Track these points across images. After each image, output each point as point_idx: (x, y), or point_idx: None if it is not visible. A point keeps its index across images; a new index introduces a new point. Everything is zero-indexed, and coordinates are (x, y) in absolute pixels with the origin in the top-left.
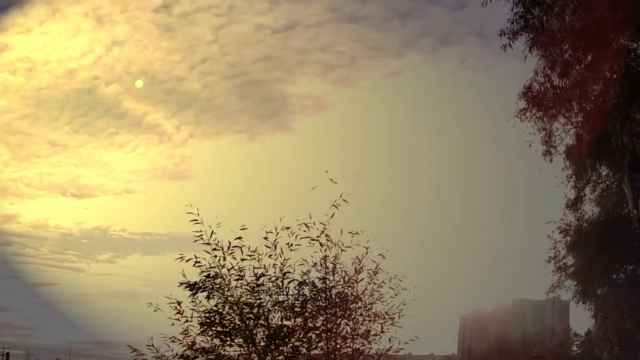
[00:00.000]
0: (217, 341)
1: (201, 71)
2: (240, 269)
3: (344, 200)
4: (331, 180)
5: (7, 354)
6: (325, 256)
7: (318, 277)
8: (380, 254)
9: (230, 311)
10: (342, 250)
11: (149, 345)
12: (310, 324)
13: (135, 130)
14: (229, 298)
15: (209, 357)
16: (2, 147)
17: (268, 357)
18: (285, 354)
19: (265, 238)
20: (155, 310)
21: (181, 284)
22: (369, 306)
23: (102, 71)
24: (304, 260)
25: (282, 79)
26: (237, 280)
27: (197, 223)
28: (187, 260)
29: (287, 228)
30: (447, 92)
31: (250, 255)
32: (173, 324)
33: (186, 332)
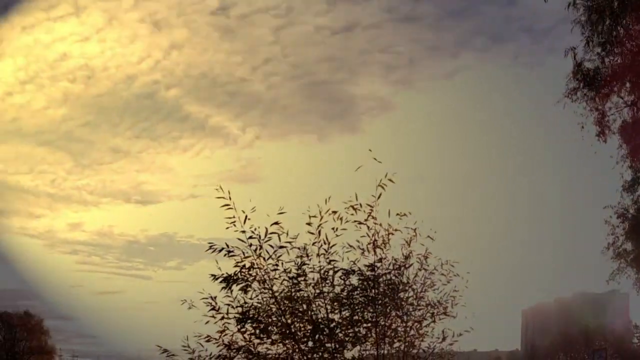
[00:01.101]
0: (255, 339)
1: (264, 72)
2: (279, 258)
3: (389, 180)
4: (375, 159)
5: None
6: (374, 241)
7: (365, 265)
8: (428, 236)
9: (271, 305)
10: (390, 234)
11: (184, 346)
12: (357, 317)
13: (198, 134)
14: (267, 290)
15: (249, 357)
16: (64, 156)
17: (316, 356)
18: (331, 350)
19: (309, 224)
20: (190, 308)
21: (212, 276)
22: (421, 294)
23: (161, 75)
24: (351, 246)
25: (346, 80)
26: (274, 270)
27: (229, 208)
28: (221, 251)
29: (334, 212)
30: (500, 89)
31: (289, 243)
32: (207, 322)
33: (223, 330)
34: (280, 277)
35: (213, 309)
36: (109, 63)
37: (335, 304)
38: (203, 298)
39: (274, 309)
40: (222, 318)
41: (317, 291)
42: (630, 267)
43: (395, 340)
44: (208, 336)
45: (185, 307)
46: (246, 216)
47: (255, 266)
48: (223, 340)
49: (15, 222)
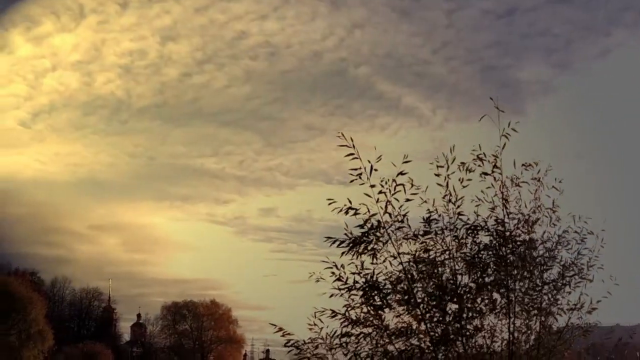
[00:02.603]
0: (381, 312)
1: (444, 55)
2: (405, 215)
3: (513, 129)
4: (497, 108)
5: (268, 350)
6: (502, 193)
7: (494, 220)
8: (553, 187)
9: (399, 271)
10: (516, 186)
11: (310, 325)
12: (487, 280)
13: (393, 113)
14: (397, 255)
15: (378, 331)
16: (251, 135)
17: (442, 327)
18: (459, 319)
19: (437, 175)
20: (318, 281)
21: (328, 239)
22: (552, 253)
23: (347, 53)
24: (479, 199)
25: (512, 65)
26: (398, 228)
27: (354, 158)
28: (347, 211)
29: (462, 164)
30: None
31: (415, 194)
32: (332, 296)
33: (350, 304)
34: (407, 235)
35: (339, 279)
36: (292, 40)
37: (465, 265)
38: (327, 267)
39: (402, 275)
40: (349, 290)
41: (447, 251)
42: None
43: (530, 307)
44: (333, 311)
45: None
46: (372, 166)
47: (382, 225)
48: (349, 315)
49: (201, 209)
